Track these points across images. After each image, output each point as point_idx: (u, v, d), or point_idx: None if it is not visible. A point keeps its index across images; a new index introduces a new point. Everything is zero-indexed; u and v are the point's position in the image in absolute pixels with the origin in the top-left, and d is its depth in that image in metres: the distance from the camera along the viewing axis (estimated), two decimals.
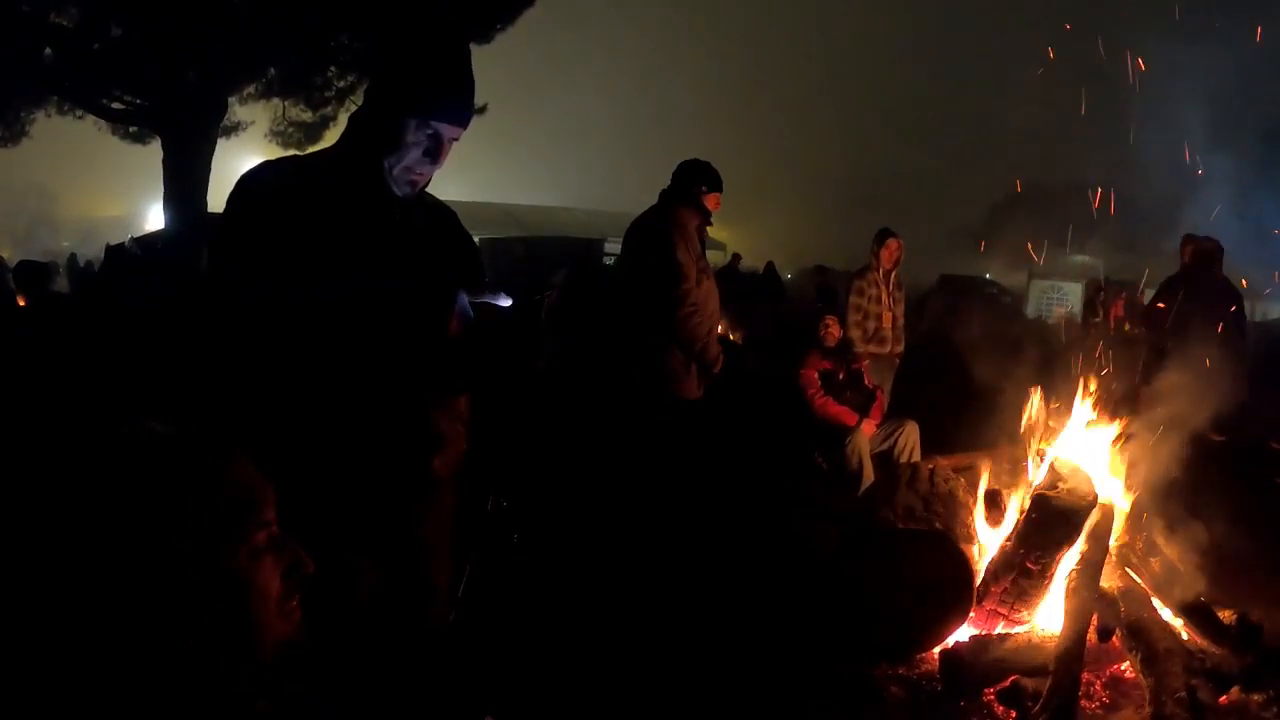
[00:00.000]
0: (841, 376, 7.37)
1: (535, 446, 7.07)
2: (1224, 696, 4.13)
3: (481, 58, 2.90)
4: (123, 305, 9.69)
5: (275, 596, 1.67)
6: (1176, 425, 5.52)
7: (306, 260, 2.67)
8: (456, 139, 2.85)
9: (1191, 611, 4.52)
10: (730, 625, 4.69)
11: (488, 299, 2.81)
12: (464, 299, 2.77)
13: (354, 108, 2.96)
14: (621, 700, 4.11)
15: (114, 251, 15.40)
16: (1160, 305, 8.98)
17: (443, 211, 3.05)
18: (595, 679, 4.23)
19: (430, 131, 2.78)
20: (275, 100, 20.95)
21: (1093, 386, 5.23)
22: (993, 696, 4.21)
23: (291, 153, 20.30)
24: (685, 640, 4.55)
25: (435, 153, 2.81)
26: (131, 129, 20.80)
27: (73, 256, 22.81)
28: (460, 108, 2.82)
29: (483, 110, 19.97)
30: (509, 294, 2.94)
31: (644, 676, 4.26)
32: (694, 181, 6.09)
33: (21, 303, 10.32)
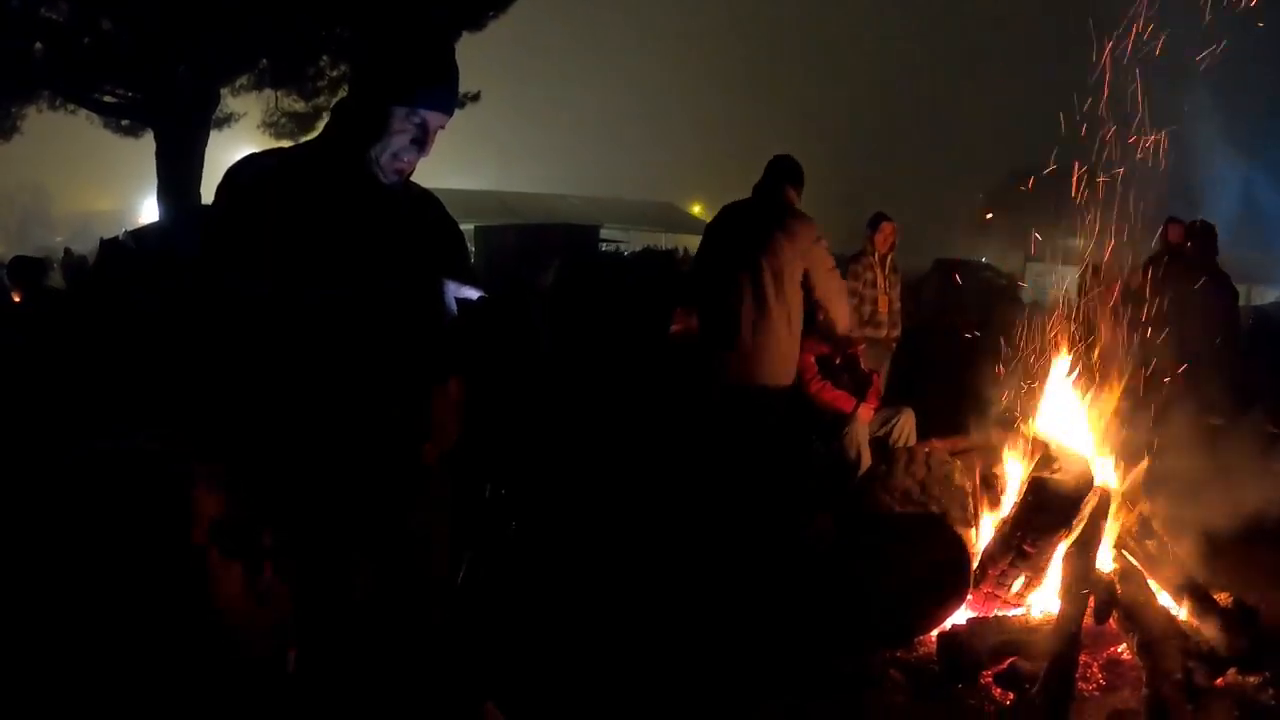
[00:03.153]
0: (838, 361, 7.35)
1: (534, 435, 7.08)
2: (1220, 678, 4.14)
3: (474, 45, 2.91)
4: (132, 300, 9.65)
5: (239, 588, 1.68)
6: (1173, 408, 5.54)
7: (295, 251, 2.68)
8: (443, 126, 2.87)
9: (1188, 594, 4.53)
10: (728, 611, 4.70)
11: (463, 292, 2.81)
12: (450, 289, 2.78)
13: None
14: (620, 687, 4.12)
15: (108, 245, 15.35)
16: (1138, 282, 8.97)
17: (428, 199, 3.06)
18: (594, 668, 4.24)
19: (418, 120, 2.79)
20: (267, 91, 20.86)
21: (1088, 368, 5.23)
22: (991, 679, 4.23)
23: (285, 143, 20.31)
24: (684, 625, 4.56)
25: (422, 140, 2.83)
26: (124, 122, 20.75)
27: (67, 251, 22.74)
28: (447, 95, 2.84)
29: (477, 97, 19.92)
30: (496, 284, 2.95)
31: (642, 662, 4.27)
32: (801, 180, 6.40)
33: (16, 298, 10.31)
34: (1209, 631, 4.35)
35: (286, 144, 20.52)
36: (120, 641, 1.50)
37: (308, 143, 2.96)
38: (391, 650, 2.88)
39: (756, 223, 6.14)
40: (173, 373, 5.73)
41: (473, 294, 2.81)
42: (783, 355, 6.15)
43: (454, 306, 2.79)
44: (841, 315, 6.37)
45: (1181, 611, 4.51)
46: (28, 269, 10.76)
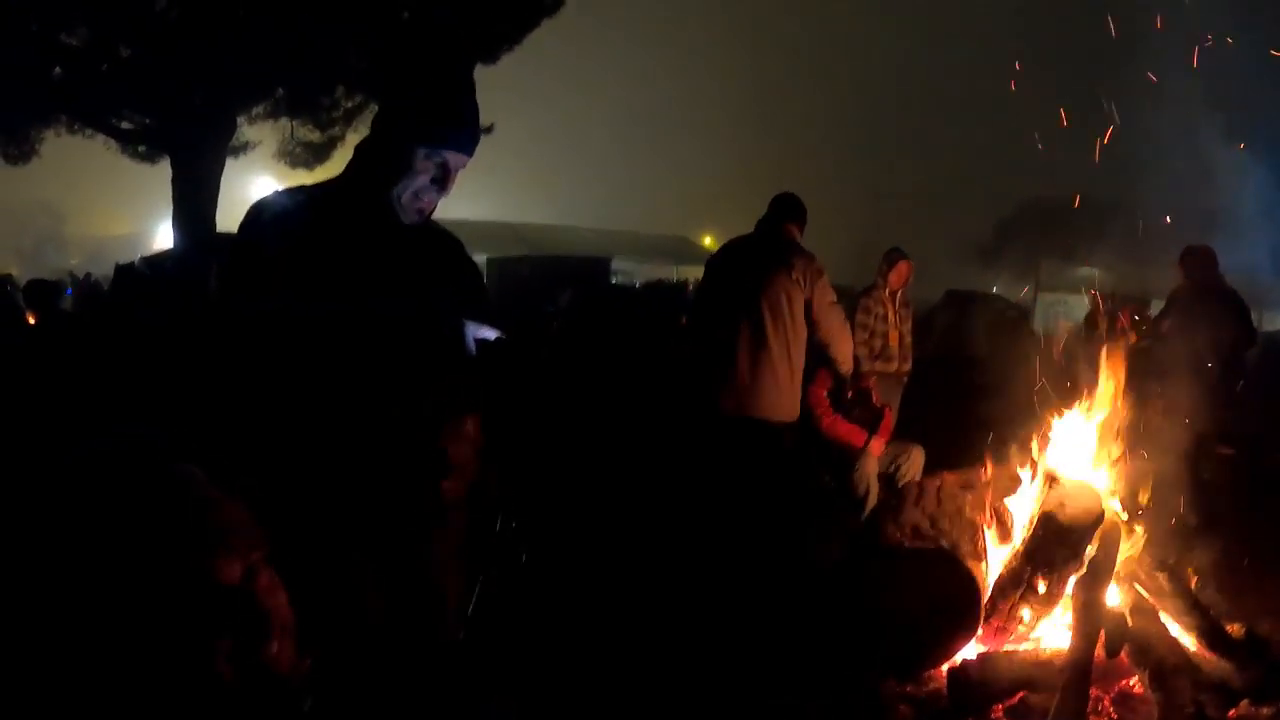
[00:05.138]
0: (850, 395, 7.38)
1: (544, 465, 7.10)
2: (1232, 710, 4.13)
3: (487, 77, 2.96)
4: (139, 319, 9.75)
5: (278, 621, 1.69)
6: (1183, 439, 5.54)
7: (316, 287, 2.72)
8: (463, 167, 2.91)
9: (1199, 626, 4.52)
10: (739, 644, 4.70)
11: (482, 332, 2.85)
12: (470, 329, 2.83)
13: (362, 129, 3.03)
14: (630, 716, 4.14)
15: (123, 271, 15.47)
16: (1165, 320, 8.96)
17: (448, 239, 3.10)
18: (604, 694, 4.25)
19: (439, 160, 2.84)
20: (283, 120, 21.00)
21: (1096, 399, 5.23)
22: (1001, 713, 4.22)
23: (300, 172, 20.40)
24: (693, 658, 4.56)
25: (443, 180, 2.88)
26: (140, 148, 20.87)
27: (87, 275, 22.85)
28: (468, 137, 2.89)
29: (490, 130, 20.01)
30: (508, 317, 2.99)
31: (651, 694, 4.27)
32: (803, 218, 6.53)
33: (32, 320, 10.42)
34: (1221, 664, 4.34)
35: (302, 173, 20.77)
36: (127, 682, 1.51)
37: (331, 180, 3.01)
38: (406, 679, 2.90)
39: (757, 259, 6.24)
40: (174, 387, 5.78)
41: (491, 334, 2.85)
42: (780, 389, 6.16)
43: (473, 346, 2.83)
44: (845, 354, 6.45)
45: (1193, 644, 4.50)
46: (43, 292, 10.89)
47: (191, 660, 1.57)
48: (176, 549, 1.60)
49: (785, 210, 6.45)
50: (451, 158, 2.87)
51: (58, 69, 18.21)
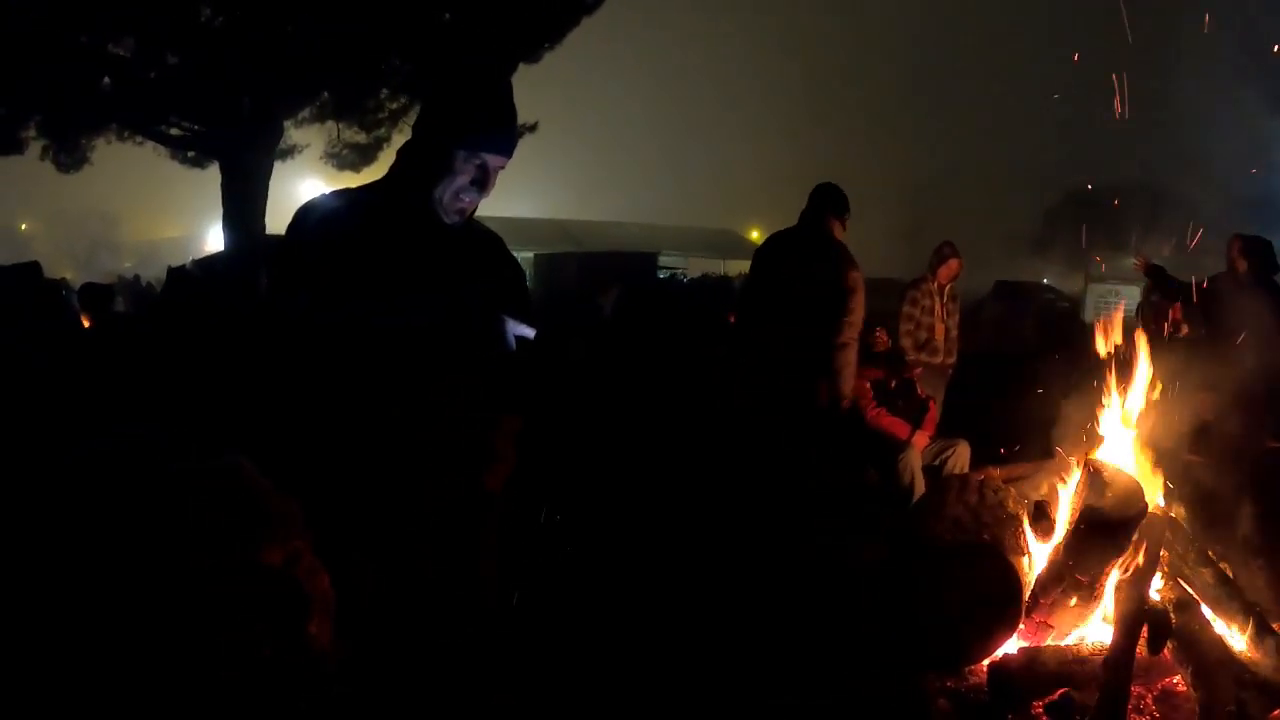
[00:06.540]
0: (893, 385, 7.35)
1: (587, 461, 7.13)
2: (1276, 710, 4.08)
3: (531, 74, 3.03)
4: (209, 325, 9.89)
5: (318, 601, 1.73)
6: (1232, 432, 5.46)
7: (360, 285, 2.78)
8: (502, 167, 2.98)
9: (1244, 623, 4.47)
10: (780, 637, 4.71)
11: (521, 329, 2.90)
12: (510, 326, 2.88)
13: (407, 129, 3.10)
14: (668, 708, 4.16)
15: (175, 273, 15.70)
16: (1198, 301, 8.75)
17: (489, 237, 3.16)
18: (641, 687, 4.27)
19: (478, 161, 2.91)
20: (330, 123, 21.29)
21: (1141, 393, 5.18)
22: (1041, 709, 4.20)
23: (346, 174, 20.58)
24: (734, 651, 4.58)
25: (482, 181, 2.95)
26: (190, 154, 21.23)
27: (135, 278, 23.19)
28: (506, 138, 2.96)
29: (534, 128, 20.11)
30: (553, 313, 3.03)
31: (691, 686, 4.29)
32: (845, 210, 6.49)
33: (86, 323, 10.61)
34: (1266, 662, 4.29)
35: (349, 174, 20.97)
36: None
37: (374, 183, 3.10)
38: (443, 670, 2.95)
39: (801, 257, 6.28)
40: (225, 393, 5.88)
41: (529, 331, 2.91)
42: (845, 380, 6.23)
43: (513, 343, 2.89)
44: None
45: (1238, 642, 4.45)
46: (96, 295, 11.11)
47: (233, 638, 1.63)
48: (223, 534, 1.65)
49: (825, 202, 6.42)
50: (490, 159, 2.94)
51: (107, 79, 18.56)
